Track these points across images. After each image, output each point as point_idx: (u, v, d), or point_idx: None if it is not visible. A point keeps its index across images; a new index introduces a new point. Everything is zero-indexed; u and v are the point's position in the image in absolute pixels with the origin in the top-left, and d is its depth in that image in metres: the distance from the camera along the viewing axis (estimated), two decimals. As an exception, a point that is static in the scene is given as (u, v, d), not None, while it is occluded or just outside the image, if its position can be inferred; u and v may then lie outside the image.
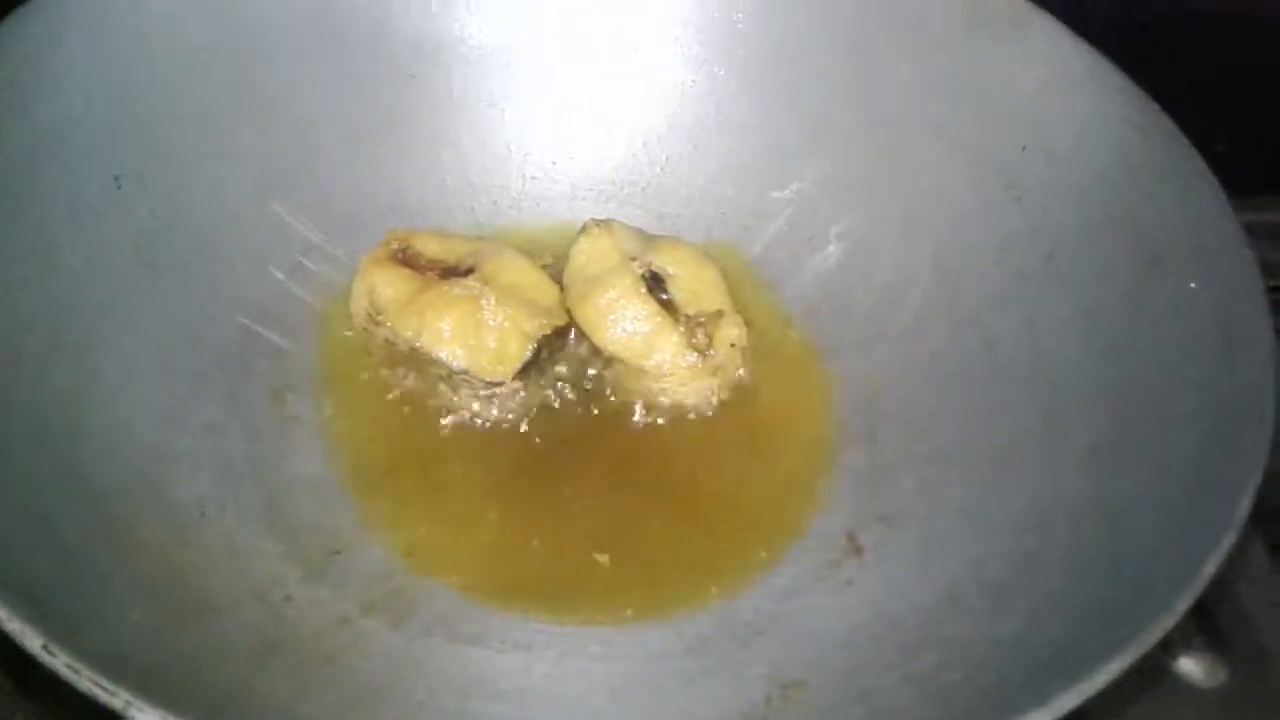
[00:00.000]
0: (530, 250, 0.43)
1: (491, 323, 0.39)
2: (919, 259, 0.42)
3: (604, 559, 0.37)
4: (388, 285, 0.40)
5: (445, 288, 0.40)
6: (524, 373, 0.40)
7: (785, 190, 0.45)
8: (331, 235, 0.43)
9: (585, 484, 0.39)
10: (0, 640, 0.36)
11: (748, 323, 0.42)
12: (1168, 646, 0.38)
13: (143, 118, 0.39)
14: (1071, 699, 0.27)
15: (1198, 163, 0.38)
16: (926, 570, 0.36)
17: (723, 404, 0.41)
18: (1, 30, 0.36)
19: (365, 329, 0.41)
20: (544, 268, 0.42)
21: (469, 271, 0.41)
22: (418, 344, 0.40)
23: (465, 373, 0.39)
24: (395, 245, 0.41)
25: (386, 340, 0.40)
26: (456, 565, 0.36)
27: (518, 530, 0.37)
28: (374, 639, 0.33)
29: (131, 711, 0.23)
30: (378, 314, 0.40)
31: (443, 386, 0.40)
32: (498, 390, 0.40)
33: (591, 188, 0.46)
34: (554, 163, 0.46)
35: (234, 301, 0.40)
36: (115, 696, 0.23)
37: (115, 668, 0.24)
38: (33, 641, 0.24)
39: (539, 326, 0.40)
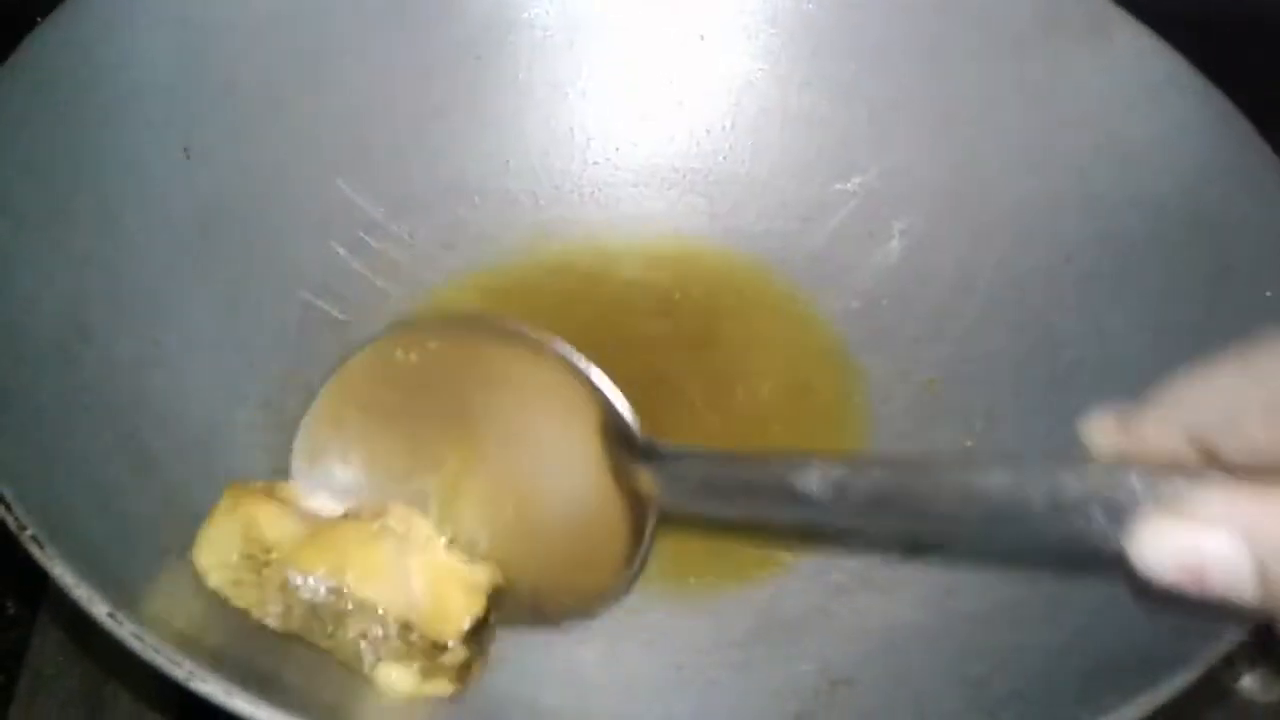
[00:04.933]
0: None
1: (431, 569, 0.30)
2: (983, 258, 0.42)
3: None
4: (273, 520, 0.30)
5: (357, 524, 0.31)
6: (472, 637, 0.30)
7: (849, 183, 0.44)
8: (393, 213, 0.43)
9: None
10: (60, 602, 0.37)
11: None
12: (1230, 663, 0.37)
13: (211, 92, 0.40)
14: (1129, 713, 0.27)
15: (1276, 170, 0.37)
16: (978, 576, 0.36)
17: (773, 396, 0.41)
18: (73, 3, 0.37)
19: (236, 580, 0.29)
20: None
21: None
22: (333, 584, 0.29)
23: (406, 626, 0.29)
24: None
25: (281, 587, 0.29)
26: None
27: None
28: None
29: (194, 683, 0.23)
30: (265, 552, 0.29)
31: (364, 645, 0.29)
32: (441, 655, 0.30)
33: (653, 174, 0.46)
34: (617, 148, 0.46)
35: (295, 276, 0.40)
36: (178, 667, 0.23)
37: (177, 637, 0.24)
38: (99, 608, 0.24)
39: (489, 579, 0.31)
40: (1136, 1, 0.41)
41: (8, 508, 0.25)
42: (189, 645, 0.24)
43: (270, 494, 0.31)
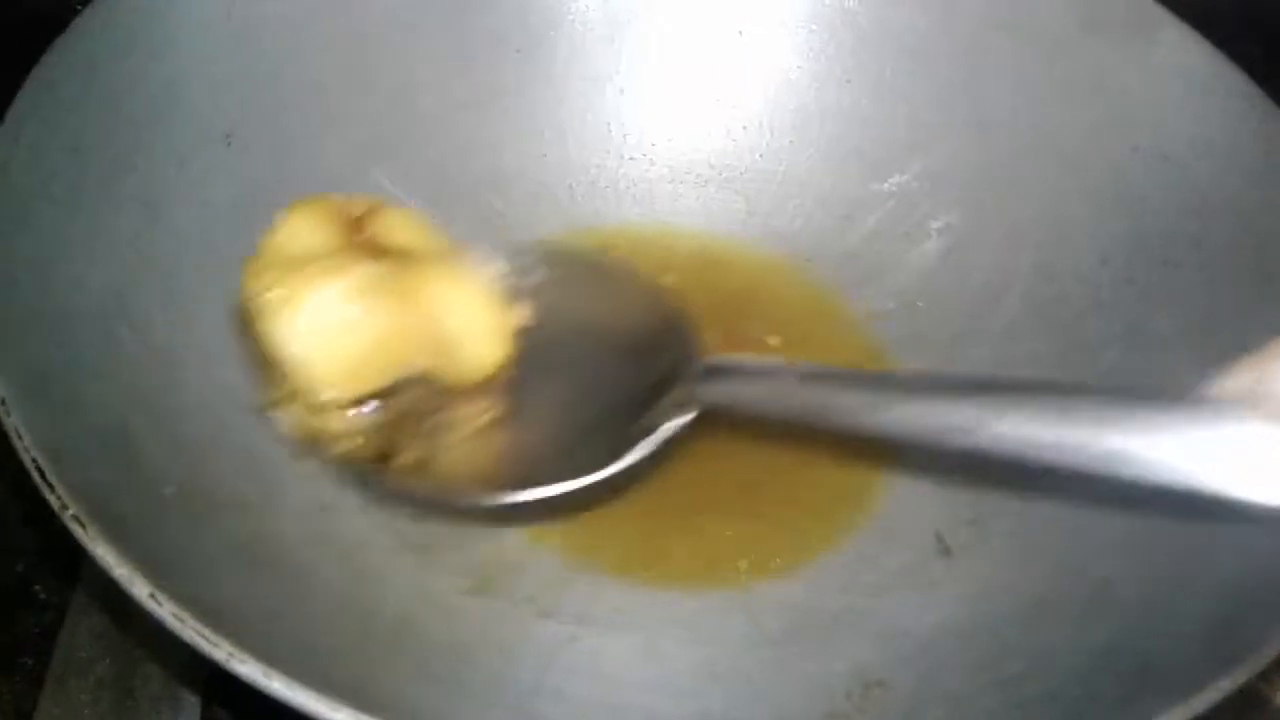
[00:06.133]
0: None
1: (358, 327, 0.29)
2: (1021, 259, 0.42)
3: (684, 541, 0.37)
4: (301, 234, 0.30)
5: (346, 261, 0.29)
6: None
7: (886, 183, 0.44)
8: (429, 205, 0.43)
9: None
10: (93, 586, 0.37)
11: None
12: (1267, 677, 0.37)
13: (253, 81, 0.40)
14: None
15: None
16: (1014, 576, 0.35)
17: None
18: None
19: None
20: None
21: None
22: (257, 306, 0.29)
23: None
24: (357, 210, 0.31)
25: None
26: (544, 536, 0.36)
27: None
28: (454, 603, 0.34)
29: (234, 664, 0.23)
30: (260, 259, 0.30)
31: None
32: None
33: (689, 171, 0.46)
34: (653, 144, 0.46)
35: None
36: (217, 648, 0.24)
37: (216, 620, 0.24)
38: (139, 589, 0.24)
39: (422, 356, 0.30)
40: (1179, 0, 0.40)
41: (51, 488, 0.25)
42: (227, 626, 0.24)
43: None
